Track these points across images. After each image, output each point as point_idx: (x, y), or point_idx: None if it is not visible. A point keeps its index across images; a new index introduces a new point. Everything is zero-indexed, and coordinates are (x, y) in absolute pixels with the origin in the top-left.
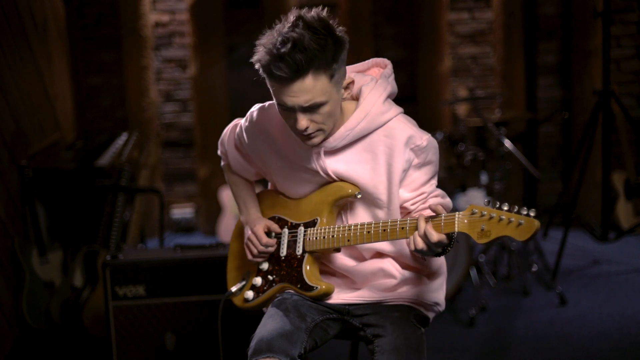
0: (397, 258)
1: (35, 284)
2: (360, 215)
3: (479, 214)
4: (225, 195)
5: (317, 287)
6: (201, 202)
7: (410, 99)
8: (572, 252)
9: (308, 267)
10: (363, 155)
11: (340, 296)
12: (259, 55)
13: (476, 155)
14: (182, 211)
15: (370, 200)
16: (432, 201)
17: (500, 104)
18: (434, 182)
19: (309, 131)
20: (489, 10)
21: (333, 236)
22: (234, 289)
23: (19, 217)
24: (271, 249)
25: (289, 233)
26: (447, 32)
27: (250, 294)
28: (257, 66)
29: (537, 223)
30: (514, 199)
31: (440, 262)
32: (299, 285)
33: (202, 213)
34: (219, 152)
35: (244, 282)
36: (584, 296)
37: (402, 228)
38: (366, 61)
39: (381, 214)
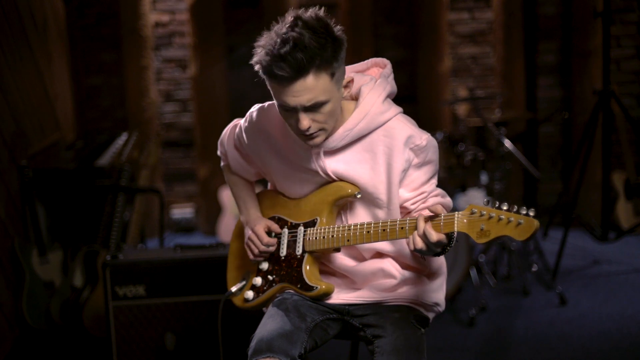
0: (397, 258)
1: (35, 284)
2: (360, 215)
3: (479, 214)
4: (225, 195)
5: (317, 287)
6: (201, 202)
7: (410, 99)
8: (572, 252)
9: (308, 267)
10: (363, 155)
11: (340, 296)
12: (259, 57)
13: (476, 155)
14: (182, 211)
15: (370, 200)
16: (432, 200)
17: (500, 104)
18: (434, 181)
19: (311, 131)
20: (489, 10)
21: (333, 236)
22: (234, 289)
23: (19, 217)
24: (272, 249)
25: (289, 233)
26: (447, 32)
27: (250, 294)
28: (257, 68)
29: (536, 223)
30: (514, 199)
31: (440, 262)
32: (298, 285)
33: (202, 213)
34: (218, 153)
35: (244, 282)
36: (584, 296)
37: (402, 228)
38: (365, 61)
39: (381, 213)
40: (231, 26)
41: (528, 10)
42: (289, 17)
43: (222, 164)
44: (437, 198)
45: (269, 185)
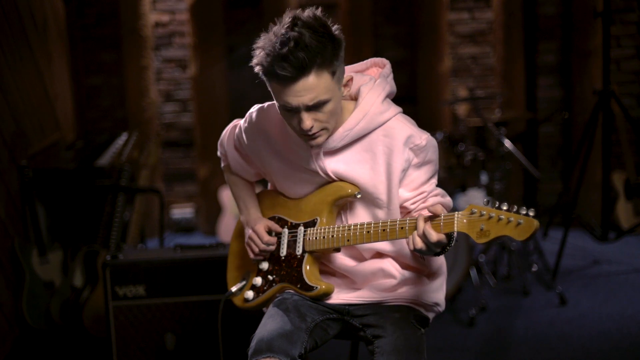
0: (397, 258)
1: (35, 284)
2: (360, 215)
3: (478, 214)
4: (225, 195)
5: (317, 287)
6: (201, 202)
7: (410, 99)
8: (572, 252)
9: (308, 267)
10: (362, 155)
11: (340, 296)
12: (260, 58)
13: (476, 155)
14: (182, 211)
15: (370, 200)
16: (432, 200)
17: (500, 104)
18: (434, 181)
19: (314, 130)
20: (489, 10)
21: (333, 236)
22: (234, 289)
23: (19, 217)
24: (272, 248)
25: (289, 233)
26: (447, 32)
27: (250, 294)
28: (257, 69)
29: (536, 223)
30: (514, 199)
31: (440, 262)
32: (298, 285)
33: (202, 213)
34: (218, 153)
35: (244, 282)
36: (584, 296)
37: (402, 228)
38: (365, 61)
39: (381, 213)
40: (231, 26)
41: (528, 10)
42: (287, 18)
43: (222, 164)
44: (437, 198)
45: (269, 186)
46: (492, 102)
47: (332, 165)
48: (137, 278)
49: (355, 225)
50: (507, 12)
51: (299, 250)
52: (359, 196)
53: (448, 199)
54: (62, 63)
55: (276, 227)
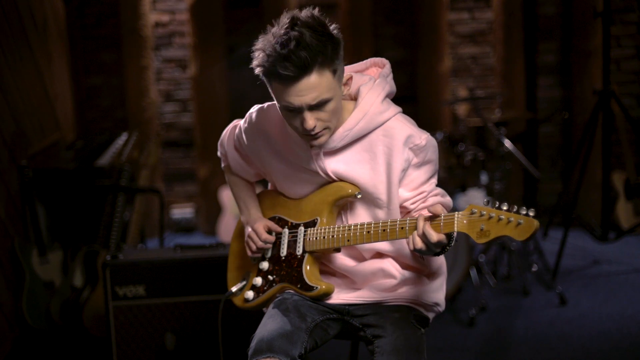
0: (397, 258)
1: (35, 284)
2: (360, 215)
3: (478, 214)
4: (225, 195)
5: (317, 287)
6: (201, 202)
7: (410, 99)
8: (572, 252)
9: (308, 267)
10: (362, 155)
11: (340, 296)
12: (261, 60)
13: (476, 155)
14: (182, 211)
15: (370, 200)
16: (432, 200)
17: (500, 104)
18: (434, 181)
19: (316, 130)
20: (489, 10)
21: (333, 236)
22: (234, 289)
23: (19, 217)
24: (270, 246)
25: (289, 233)
26: (447, 32)
27: (250, 294)
28: (258, 71)
29: (536, 223)
30: (514, 199)
31: (440, 262)
32: (299, 285)
33: (202, 213)
34: (218, 154)
35: (244, 282)
36: (584, 296)
37: (402, 228)
38: (364, 61)
39: (381, 213)
40: (231, 26)
41: (528, 10)
42: (285, 19)
43: (222, 164)
44: (437, 197)
45: (269, 186)
46: (492, 102)
47: (332, 165)
48: (137, 278)
49: (356, 225)
50: (507, 12)
51: (299, 251)
52: (359, 196)
53: (448, 199)
54: (62, 63)
55: (276, 227)
